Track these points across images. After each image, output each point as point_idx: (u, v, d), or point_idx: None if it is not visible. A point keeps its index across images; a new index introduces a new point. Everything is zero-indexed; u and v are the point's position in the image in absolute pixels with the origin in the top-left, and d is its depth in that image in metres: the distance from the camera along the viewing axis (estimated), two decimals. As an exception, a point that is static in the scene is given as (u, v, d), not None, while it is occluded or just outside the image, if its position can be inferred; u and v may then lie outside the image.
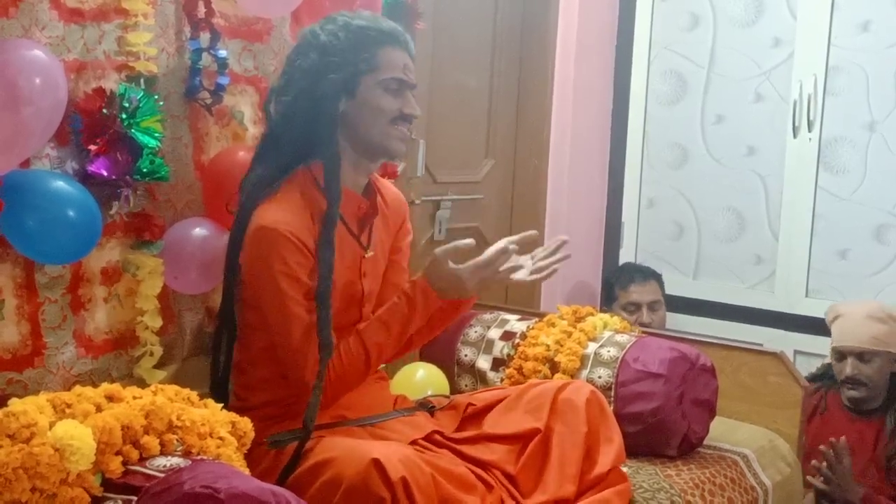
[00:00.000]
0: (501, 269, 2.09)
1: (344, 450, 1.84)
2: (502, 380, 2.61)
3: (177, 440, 1.58)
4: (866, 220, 3.48)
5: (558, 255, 2.22)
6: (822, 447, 3.04)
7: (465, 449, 2.10)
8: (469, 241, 2.10)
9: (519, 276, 2.15)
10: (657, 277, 3.64)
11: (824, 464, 3.03)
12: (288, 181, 2.07)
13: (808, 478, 3.01)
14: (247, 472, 1.63)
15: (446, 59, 3.37)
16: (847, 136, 3.50)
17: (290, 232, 1.99)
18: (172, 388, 1.71)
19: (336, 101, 2.05)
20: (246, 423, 1.70)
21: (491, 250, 2.09)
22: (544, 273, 2.19)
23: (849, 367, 3.19)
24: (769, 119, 3.63)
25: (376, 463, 1.75)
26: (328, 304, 1.97)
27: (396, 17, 2.41)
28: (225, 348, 2.12)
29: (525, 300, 3.68)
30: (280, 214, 2.01)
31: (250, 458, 1.81)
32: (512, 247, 2.10)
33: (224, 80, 2.29)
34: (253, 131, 2.40)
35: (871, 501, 3.07)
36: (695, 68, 3.77)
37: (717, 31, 3.72)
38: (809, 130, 3.54)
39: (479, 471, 2.05)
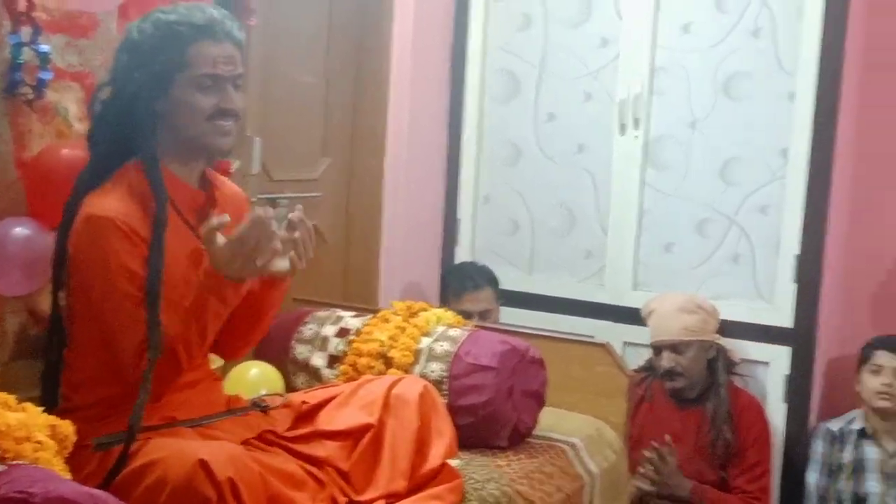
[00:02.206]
0: (259, 246, 1.91)
1: (170, 451, 1.81)
2: (337, 376, 2.62)
3: (-8, 446, 1.54)
4: (689, 214, 3.61)
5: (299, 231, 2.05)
6: (645, 451, 3.18)
7: (298, 447, 2.12)
8: (223, 216, 1.95)
9: (280, 265, 2.01)
10: (492, 283, 3.63)
11: (650, 467, 3.18)
12: (119, 174, 2.04)
13: (634, 481, 3.14)
14: (67, 475, 1.60)
15: (280, 56, 3.35)
16: (671, 134, 3.62)
17: (121, 220, 1.95)
18: (-12, 392, 1.67)
19: (151, 101, 2.03)
20: (66, 427, 1.67)
21: (243, 224, 1.91)
22: (300, 258, 2.03)
23: (665, 360, 3.36)
24: (598, 117, 3.72)
25: (203, 463, 1.73)
26: (157, 304, 1.94)
27: (228, 9, 2.36)
28: (51, 349, 2.07)
29: (364, 297, 3.70)
30: (110, 203, 1.98)
31: (75, 461, 1.78)
32: (273, 217, 1.94)
33: (46, 75, 2.24)
34: (78, 128, 2.35)
35: (699, 493, 3.23)
36: (528, 67, 3.84)
37: (549, 31, 3.79)
38: (636, 128, 3.65)
39: (311, 468, 2.07)
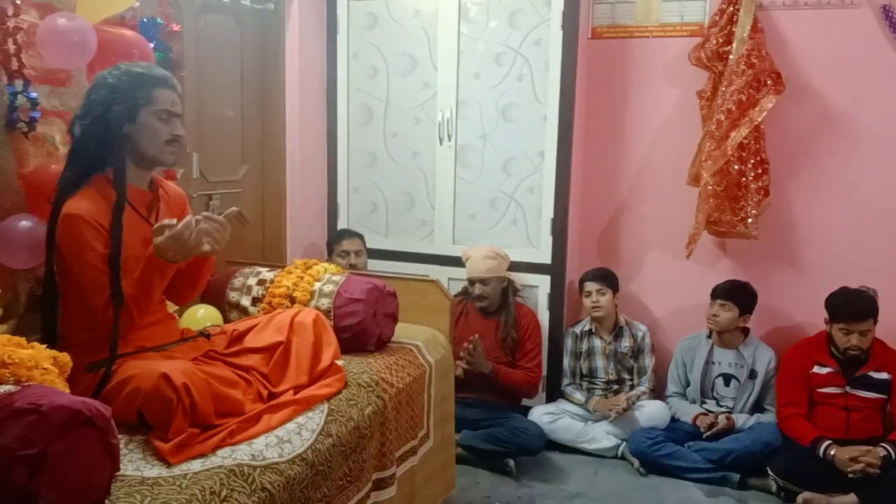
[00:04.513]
0: (191, 238, 1.81)
1: (141, 369, 1.74)
2: (258, 312, 2.55)
3: (9, 374, 1.43)
4: (485, 195, 3.63)
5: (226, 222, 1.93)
6: (464, 344, 3.22)
7: (232, 359, 2.06)
8: (172, 220, 1.84)
9: (204, 248, 1.86)
10: (360, 236, 3.61)
11: (466, 352, 3.23)
12: (89, 183, 1.92)
13: (457, 361, 3.19)
14: (67, 391, 1.51)
15: (209, 95, 3.22)
16: (471, 144, 3.63)
17: (88, 216, 1.84)
18: (5, 336, 1.55)
19: (121, 126, 1.92)
20: (64, 357, 1.57)
21: (179, 225, 1.81)
22: (217, 243, 1.88)
23: (476, 290, 3.41)
24: (425, 134, 3.70)
25: (164, 375, 1.67)
26: (118, 266, 1.85)
27: (165, 67, 2.26)
28: (49, 305, 1.94)
29: (276, 258, 3.62)
30: (81, 204, 1.86)
31: (74, 381, 1.69)
32: (198, 218, 1.84)
33: (36, 115, 2.07)
34: (63, 150, 2.19)
35: (497, 370, 3.31)
36: (377, 102, 3.78)
37: (390, 78, 3.73)
38: (450, 140, 3.66)
39: (242, 373, 2.02)
